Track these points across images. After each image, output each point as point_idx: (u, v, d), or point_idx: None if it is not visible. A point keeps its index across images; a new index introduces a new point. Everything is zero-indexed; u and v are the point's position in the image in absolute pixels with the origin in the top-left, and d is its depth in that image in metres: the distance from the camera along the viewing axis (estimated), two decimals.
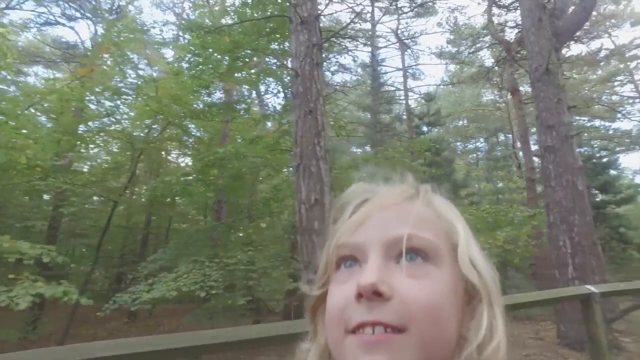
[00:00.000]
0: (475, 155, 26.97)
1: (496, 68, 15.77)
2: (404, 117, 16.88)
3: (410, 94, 18.43)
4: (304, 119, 5.67)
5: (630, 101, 21.25)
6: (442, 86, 23.63)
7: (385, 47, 17.25)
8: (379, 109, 16.22)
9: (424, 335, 0.40)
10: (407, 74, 18.98)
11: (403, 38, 17.18)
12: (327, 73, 22.84)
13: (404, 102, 17.88)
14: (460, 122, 26.26)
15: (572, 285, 5.52)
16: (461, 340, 0.44)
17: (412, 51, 18.11)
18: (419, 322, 0.41)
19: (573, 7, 9.35)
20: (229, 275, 6.98)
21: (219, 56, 8.54)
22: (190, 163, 14.97)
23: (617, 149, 22.94)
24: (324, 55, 9.67)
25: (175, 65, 10.25)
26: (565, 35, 8.85)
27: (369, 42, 15.51)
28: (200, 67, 8.26)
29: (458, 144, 27.45)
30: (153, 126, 11.80)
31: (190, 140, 13.07)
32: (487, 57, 18.46)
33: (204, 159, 7.71)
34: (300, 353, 0.54)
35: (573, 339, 5.83)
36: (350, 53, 12.58)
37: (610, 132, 23.36)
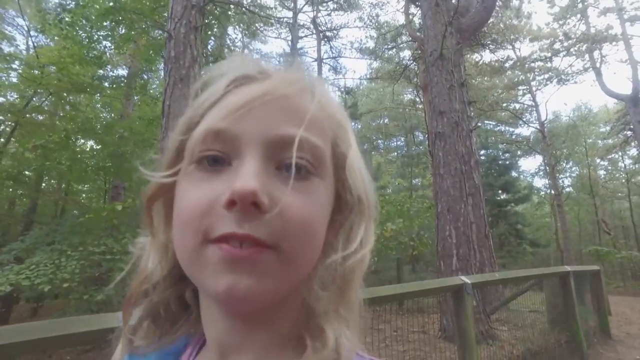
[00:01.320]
0: (396, 153, 27.84)
1: (413, 66, 16.10)
2: None
3: (330, 87, 18.21)
4: (173, 87, 4.94)
5: (529, 110, 23.22)
6: (364, 83, 23.91)
7: (305, 36, 16.84)
8: None
9: (295, 254, 0.36)
10: (329, 66, 18.81)
11: (322, 29, 16.90)
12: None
13: None
14: (382, 120, 26.92)
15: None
16: (326, 246, 0.40)
17: (331, 44, 17.94)
18: (294, 240, 0.36)
19: (476, 7, 9.64)
20: (95, 266, 6.07)
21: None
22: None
23: (518, 152, 25.12)
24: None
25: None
26: (468, 32, 9.04)
27: (287, 29, 14.97)
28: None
29: (380, 141, 28.24)
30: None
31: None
32: (408, 56, 18.96)
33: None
34: (135, 248, 0.46)
35: (452, 332, 5.80)
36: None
37: (513, 136, 25.56)
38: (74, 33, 7.70)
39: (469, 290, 3.37)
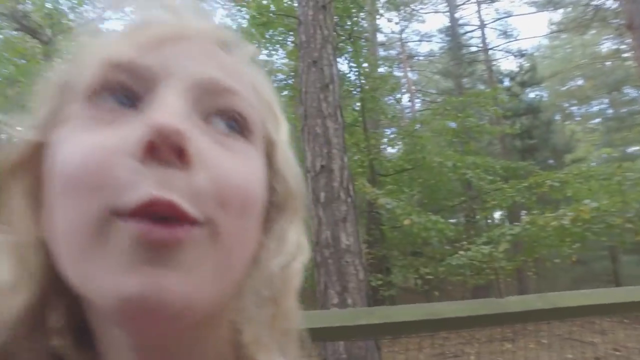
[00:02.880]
0: (600, 119, 22.56)
1: (608, 3, 12.55)
2: (488, 77, 14.57)
3: (501, 53, 15.94)
4: (307, 72, 4.77)
5: None
6: (543, 42, 20.25)
7: (464, 3, 15.14)
8: (461, 74, 14.24)
9: (232, 236, 0.27)
10: (496, 31, 16.49)
11: None
12: (410, 44, 21.55)
13: (495, 63, 15.55)
14: (573, 82, 22.22)
15: None
16: (259, 253, 0.32)
17: (495, 5, 15.66)
18: (229, 213, 0.26)
19: None
20: None
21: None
22: None
23: None
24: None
25: None
26: None
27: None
28: None
29: (574, 108, 23.37)
30: None
31: None
32: None
33: None
34: None
35: None
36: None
37: None
38: None
39: None
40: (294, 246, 0.33)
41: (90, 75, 0.27)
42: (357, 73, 8.62)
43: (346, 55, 8.98)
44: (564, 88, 22.63)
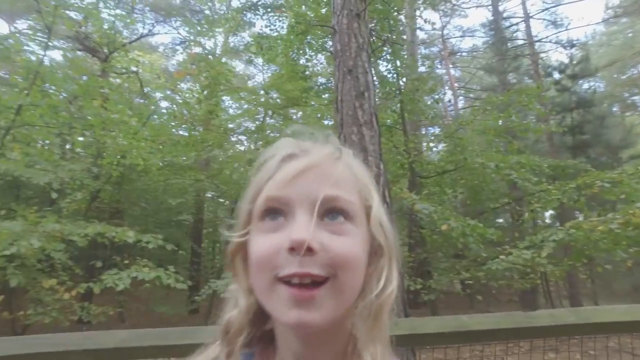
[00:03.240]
0: None
1: None
2: (534, 72, 13.82)
3: (550, 45, 15.14)
4: (343, 80, 4.87)
5: None
6: (599, 29, 18.96)
7: None
8: (505, 69, 13.69)
9: (343, 285, 0.48)
10: (544, 22, 15.67)
11: None
12: (452, 40, 20.98)
13: (542, 56, 14.75)
14: (635, 69, 20.54)
15: None
16: (365, 287, 0.53)
17: None
18: (341, 273, 0.48)
19: None
20: None
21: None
22: None
23: None
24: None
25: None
26: None
27: None
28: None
29: (636, 97, 21.59)
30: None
31: None
32: None
33: None
34: (229, 293, 0.60)
35: None
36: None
37: None
38: (275, 56, 8.84)
39: None
40: (386, 280, 0.53)
41: (259, 206, 0.52)
42: (395, 75, 8.59)
43: (384, 57, 8.99)
44: (624, 77, 21.07)
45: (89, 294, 6.67)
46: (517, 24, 14.71)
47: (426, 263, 7.79)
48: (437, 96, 9.46)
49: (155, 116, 10.65)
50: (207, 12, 14.40)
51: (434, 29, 18.21)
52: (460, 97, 20.93)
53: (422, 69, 11.81)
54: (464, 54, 20.62)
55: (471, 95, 20.68)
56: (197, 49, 11.46)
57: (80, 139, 9.68)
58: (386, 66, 8.69)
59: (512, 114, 7.95)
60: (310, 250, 0.46)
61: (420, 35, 17.19)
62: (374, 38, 8.23)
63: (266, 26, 8.34)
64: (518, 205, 8.07)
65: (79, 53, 11.86)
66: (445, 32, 19.90)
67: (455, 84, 20.54)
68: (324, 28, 7.20)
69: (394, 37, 9.07)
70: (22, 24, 13.15)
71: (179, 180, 9.77)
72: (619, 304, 1.72)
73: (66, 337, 1.29)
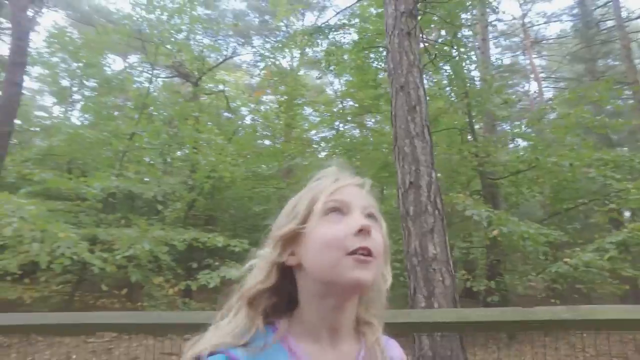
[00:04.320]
0: None
1: None
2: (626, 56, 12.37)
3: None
4: (396, 96, 5.23)
5: None
6: None
7: None
8: (593, 56, 12.59)
9: (379, 261, 0.67)
10: None
11: None
12: (535, 28, 19.57)
13: (636, 38, 13.16)
14: None
15: None
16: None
17: None
18: (380, 253, 0.67)
19: None
20: None
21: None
22: None
23: None
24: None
25: None
26: None
27: None
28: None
29: None
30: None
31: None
32: None
33: None
34: (255, 256, 0.74)
35: None
36: None
37: None
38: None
39: None
40: (386, 274, 0.74)
41: (324, 206, 0.68)
42: (460, 80, 8.59)
43: (450, 60, 9.01)
44: None
45: (189, 291, 7.87)
46: (606, 3, 13.34)
47: (498, 265, 7.68)
48: (504, 96, 9.15)
49: (241, 129, 11.89)
50: (283, 29, 15.53)
51: (513, 18, 17.30)
52: (548, 87, 19.47)
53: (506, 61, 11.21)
54: (549, 41, 19.13)
55: (561, 84, 19.12)
56: (273, 67, 12.45)
57: (179, 153, 11.23)
58: (447, 71, 8.72)
59: (586, 112, 7.45)
60: (368, 233, 0.65)
61: (500, 26, 16.45)
62: (436, 44, 8.35)
63: (331, 44, 8.89)
64: (596, 205, 7.53)
65: (175, 80, 13.64)
66: (527, 20, 18.69)
67: (542, 74, 19.17)
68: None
69: (461, 37, 9.02)
70: (133, 58, 15.41)
71: (262, 189, 10.74)
72: None
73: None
